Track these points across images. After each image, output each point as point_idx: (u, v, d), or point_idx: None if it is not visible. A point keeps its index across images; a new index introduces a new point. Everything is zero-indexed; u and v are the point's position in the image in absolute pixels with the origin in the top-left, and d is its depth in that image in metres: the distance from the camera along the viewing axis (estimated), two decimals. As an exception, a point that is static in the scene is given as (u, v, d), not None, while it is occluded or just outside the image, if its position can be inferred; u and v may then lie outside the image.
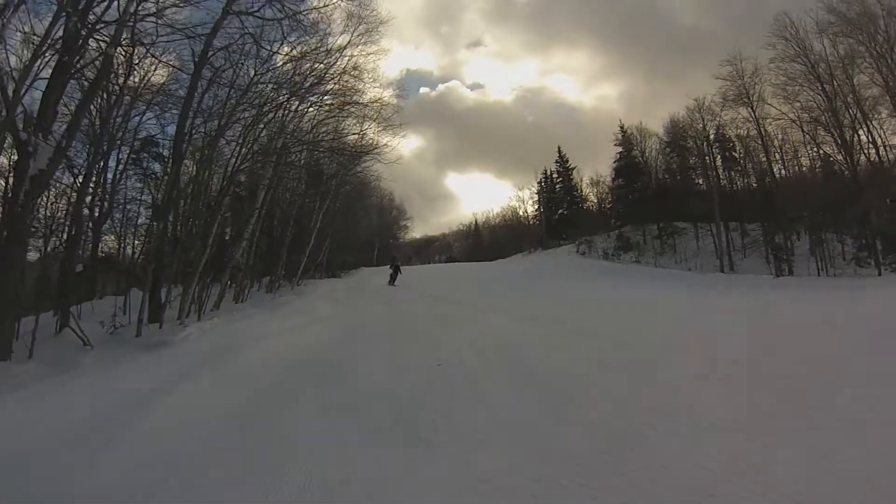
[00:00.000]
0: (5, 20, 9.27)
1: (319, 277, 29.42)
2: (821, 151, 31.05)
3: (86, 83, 12.49)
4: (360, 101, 20.26)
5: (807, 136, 30.87)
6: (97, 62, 11.67)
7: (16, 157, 10.08)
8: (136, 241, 23.65)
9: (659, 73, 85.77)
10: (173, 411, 5.06)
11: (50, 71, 10.44)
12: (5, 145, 10.50)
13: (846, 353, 6.34)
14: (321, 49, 17.74)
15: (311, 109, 19.39)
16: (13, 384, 6.28)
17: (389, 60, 78.13)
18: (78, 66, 11.23)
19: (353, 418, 4.69)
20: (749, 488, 2.96)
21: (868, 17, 26.86)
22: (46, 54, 10.41)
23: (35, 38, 11.17)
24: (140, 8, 11.43)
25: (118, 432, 4.52)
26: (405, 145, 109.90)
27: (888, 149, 27.53)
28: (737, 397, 4.71)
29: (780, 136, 32.13)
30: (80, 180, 14.63)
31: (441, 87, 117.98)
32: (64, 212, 18.75)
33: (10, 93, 9.22)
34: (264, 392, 5.72)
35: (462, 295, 18.42)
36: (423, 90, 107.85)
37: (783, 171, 33.40)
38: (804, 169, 32.94)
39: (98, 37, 11.16)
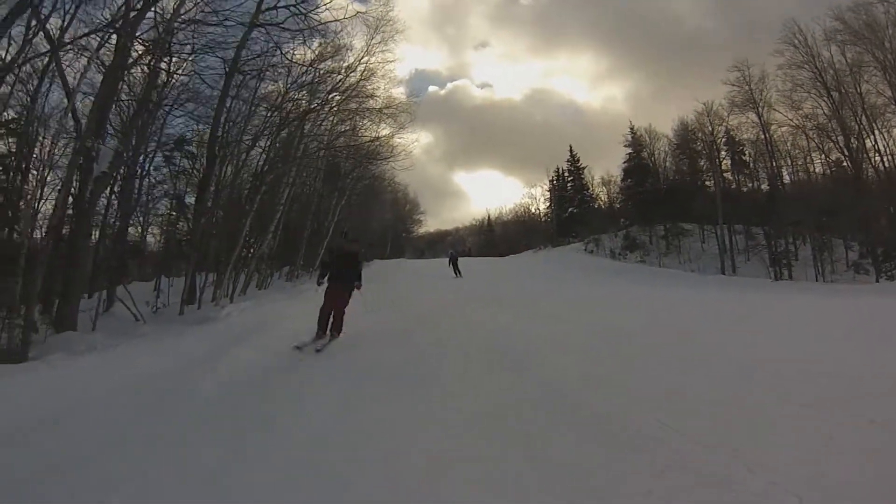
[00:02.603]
0: (93, 54, 11.19)
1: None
2: (828, 158, 32.13)
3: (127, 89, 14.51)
4: (375, 107, 22.14)
5: (812, 143, 32.07)
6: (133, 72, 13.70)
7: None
8: (158, 231, 25.29)
9: (664, 73, 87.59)
10: (239, 360, 7.18)
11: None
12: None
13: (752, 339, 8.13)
14: (339, 59, 19.71)
15: (329, 114, 21.31)
16: (105, 345, 8.28)
17: (401, 63, 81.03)
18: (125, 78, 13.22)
19: (365, 373, 6.52)
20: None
21: (874, 26, 27.80)
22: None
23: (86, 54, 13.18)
24: (176, 25, 13.46)
25: (209, 368, 6.72)
26: (416, 141, 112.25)
27: (895, 157, 28.77)
28: (662, 373, 6.09)
29: (789, 142, 33.23)
30: (123, 176, 16.52)
31: (450, 85, 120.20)
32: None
33: (81, 113, 11.18)
34: (296, 358, 7.60)
35: (468, 287, 20.27)
36: (432, 88, 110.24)
37: (793, 176, 34.58)
38: (814, 175, 33.79)
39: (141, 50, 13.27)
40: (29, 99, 11.90)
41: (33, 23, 10.80)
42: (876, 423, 3.96)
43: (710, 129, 36.68)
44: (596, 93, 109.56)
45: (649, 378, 5.72)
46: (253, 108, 17.54)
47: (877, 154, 29.02)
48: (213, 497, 3.35)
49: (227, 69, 16.18)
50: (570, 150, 51.38)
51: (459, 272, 26.13)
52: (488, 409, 4.91)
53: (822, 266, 28.54)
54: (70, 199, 11.88)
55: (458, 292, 17.26)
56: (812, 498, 2.88)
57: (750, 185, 37.10)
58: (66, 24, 11.04)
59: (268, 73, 17.69)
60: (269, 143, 18.14)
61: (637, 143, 44.20)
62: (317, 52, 18.76)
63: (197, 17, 13.68)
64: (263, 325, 10.47)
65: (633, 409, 4.59)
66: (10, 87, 11.56)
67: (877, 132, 28.88)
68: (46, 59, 11.40)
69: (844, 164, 30.52)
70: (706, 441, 3.76)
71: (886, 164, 28.75)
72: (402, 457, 3.82)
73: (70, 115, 11.04)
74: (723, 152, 37.41)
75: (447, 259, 28.57)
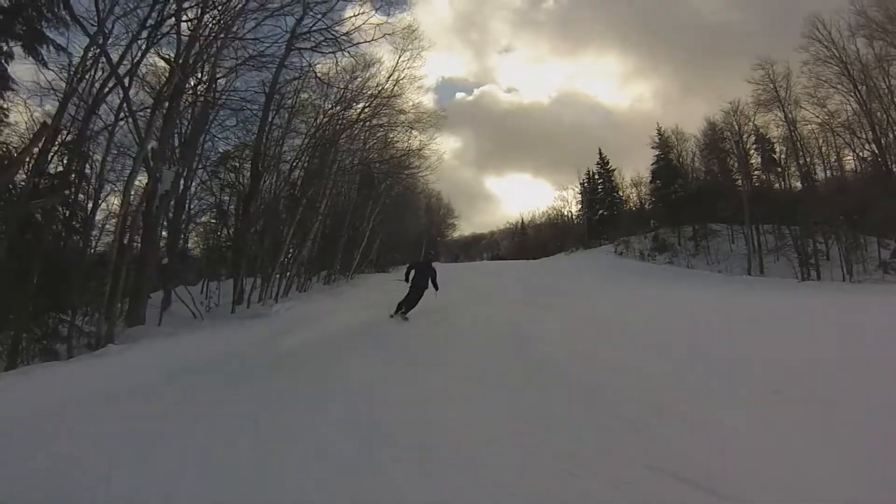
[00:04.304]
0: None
1: (370, 272, 33.26)
2: (858, 154, 32.58)
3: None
4: (406, 121, 24.12)
5: (840, 140, 32.42)
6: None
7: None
8: (199, 239, 27.34)
9: (691, 69, 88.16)
10: (292, 343, 9.12)
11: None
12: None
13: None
14: (370, 76, 21.72)
15: (362, 131, 23.31)
16: (180, 334, 10.34)
17: (428, 73, 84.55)
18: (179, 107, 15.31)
19: (395, 356, 8.19)
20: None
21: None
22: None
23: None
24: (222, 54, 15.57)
25: (272, 346, 8.87)
26: (446, 148, 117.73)
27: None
28: (635, 354, 7.54)
29: (820, 139, 33.48)
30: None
31: (476, 91, 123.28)
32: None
33: (151, 145, 13.33)
34: (339, 341, 9.47)
35: (495, 289, 21.97)
36: (459, 95, 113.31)
37: (826, 173, 34.71)
38: (846, 172, 33.98)
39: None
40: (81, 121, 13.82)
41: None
42: (779, 393, 5.15)
43: (737, 128, 37.37)
44: (624, 93, 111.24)
45: (622, 357, 7.15)
46: (289, 130, 19.71)
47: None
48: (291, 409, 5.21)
49: (266, 92, 18.25)
50: (600, 153, 52.76)
51: (405, 305, 12.51)
52: (486, 373, 6.57)
53: (851, 266, 28.45)
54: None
55: (491, 295, 18.99)
56: (679, 426, 4.42)
57: (781, 183, 37.30)
58: (134, 66, 13.23)
59: (303, 93, 19.81)
60: (307, 161, 20.25)
61: (665, 145, 45.17)
62: (349, 72, 20.75)
63: (239, 56, 15.89)
64: (310, 318, 12.48)
65: (597, 376, 6.14)
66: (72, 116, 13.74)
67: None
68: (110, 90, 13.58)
69: (878, 159, 30.69)
70: (640, 398, 5.16)
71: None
72: (421, 396, 5.57)
73: (149, 155, 13.17)
74: (752, 151, 38.01)
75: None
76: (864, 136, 31.05)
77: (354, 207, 27.83)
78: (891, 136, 29.88)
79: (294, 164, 20.09)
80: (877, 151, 30.55)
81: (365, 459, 3.74)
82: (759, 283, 27.44)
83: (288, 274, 20.13)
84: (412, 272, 12.79)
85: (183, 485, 3.39)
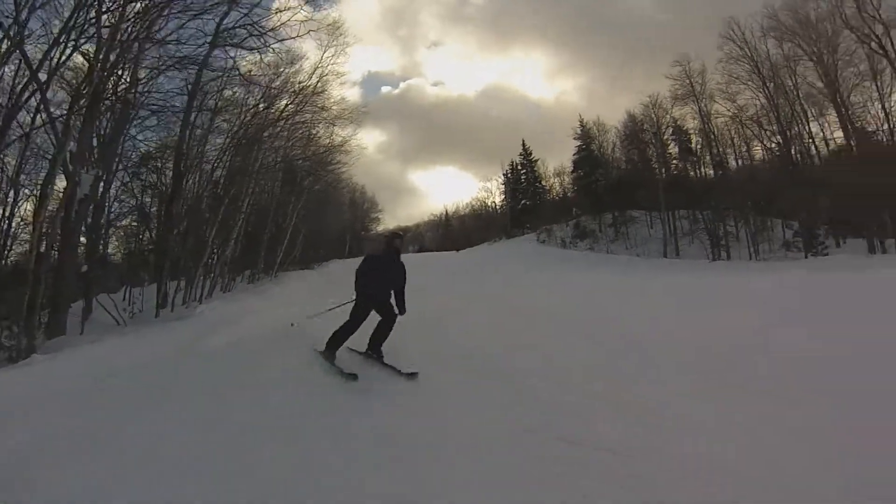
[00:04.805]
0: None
1: (294, 270, 33.22)
2: (765, 146, 35.27)
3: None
4: (329, 118, 24.43)
5: (749, 132, 35.04)
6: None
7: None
8: (119, 243, 26.68)
9: (616, 66, 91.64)
10: (217, 342, 9.25)
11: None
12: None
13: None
14: (294, 72, 21.89)
15: (285, 128, 23.44)
16: (104, 341, 10.39)
17: (353, 68, 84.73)
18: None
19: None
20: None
21: (806, 23, 31.01)
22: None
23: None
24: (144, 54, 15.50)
25: (198, 346, 8.94)
26: (370, 142, 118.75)
27: (827, 143, 32.00)
28: (548, 336, 8.42)
29: (731, 131, 36.28)
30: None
31: (403, 84, 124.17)
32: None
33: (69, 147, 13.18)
34: (265, 340, 9.66)
35: (422, 281, 22.53)
36: (385, 89, 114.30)
37: (737, 163, 37.59)
38: (756, 161, 36.73)
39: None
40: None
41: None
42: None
43: (656, 120, 39.82)
44: (550, 87, 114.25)
45: (536, 340, 7.85)
46: (212, 128, 19.68)
47: (811, 140, 32.55)
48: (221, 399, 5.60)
49: (189, 90, 18.16)
50: (523, 144, 54.09)
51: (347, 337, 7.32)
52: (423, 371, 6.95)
53: (757, 246, 31.58)
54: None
55: (413, 286, 19.58)
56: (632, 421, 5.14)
57: (696, 171, 39.99)
58: (53, 69, 13.00)
59: (227, 91, 19.82)
60: (230, 159, 20.25)
61: (587, 136, 46.74)
62: (273, 68, 20.91)
63: (162, 55, 15.83)
64: (234, 318, 12.67)
65: (514, 355, 6.80)
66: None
67: (811, 120, 32.41)
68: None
69: (784, 150, 33.51)
70: (560, 380, 5.80)
71: (820, 150, 32.25)
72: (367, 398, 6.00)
73: (68, 158, 13.01)
74: (670, 141, 40.48)
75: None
76: (771, 129, 33.83)
77: (277, 205, 27.86)
78: (795, 129, 32.83)
79: (216, 163, 20.12)
80: (782, 143, 33.36)
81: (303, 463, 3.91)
82: (675, 265, 29.42)
83: (212, 275, 20.13)
84: (364, 278, 7.02)
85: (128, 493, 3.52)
